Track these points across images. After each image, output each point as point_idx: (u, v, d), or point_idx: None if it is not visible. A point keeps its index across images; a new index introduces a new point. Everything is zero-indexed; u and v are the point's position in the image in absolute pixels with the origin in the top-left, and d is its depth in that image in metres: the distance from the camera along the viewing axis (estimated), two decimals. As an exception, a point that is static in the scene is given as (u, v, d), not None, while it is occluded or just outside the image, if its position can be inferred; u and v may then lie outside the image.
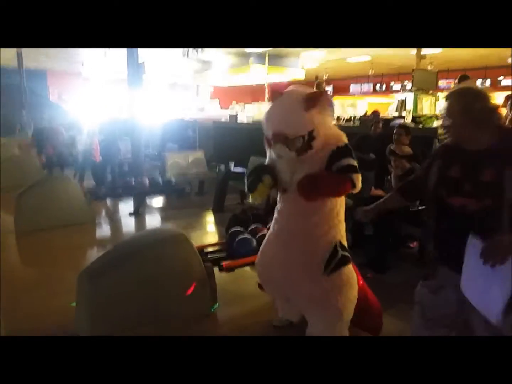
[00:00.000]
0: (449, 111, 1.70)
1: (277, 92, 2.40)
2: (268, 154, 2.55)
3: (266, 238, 2.70)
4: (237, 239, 3.47)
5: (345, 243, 2.50)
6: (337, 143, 2.34)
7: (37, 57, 12.54)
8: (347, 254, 2.47)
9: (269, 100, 2.44)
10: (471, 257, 1.66)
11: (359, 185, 2.35)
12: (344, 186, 2.31)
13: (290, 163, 2.37)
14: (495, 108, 1.67)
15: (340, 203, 2.45)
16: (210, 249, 3.64)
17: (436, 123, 7.72)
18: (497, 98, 8.83)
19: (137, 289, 2.88)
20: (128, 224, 5.98)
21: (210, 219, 6.22)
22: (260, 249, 2.73)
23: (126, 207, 6.55)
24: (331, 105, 2.43)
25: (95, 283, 2.79)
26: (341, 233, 2.49)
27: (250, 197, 2.48)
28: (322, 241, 2.39)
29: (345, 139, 2.40)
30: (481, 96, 1.65)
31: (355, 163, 2.35)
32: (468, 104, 1.64)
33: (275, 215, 2.60)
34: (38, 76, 14.90)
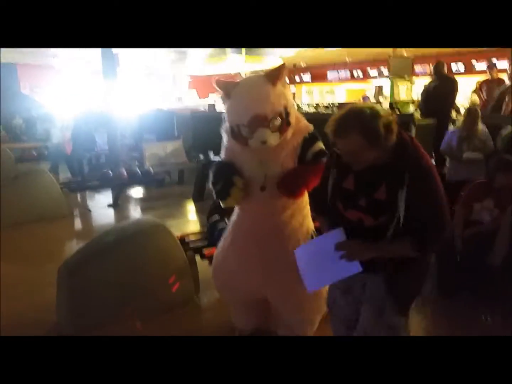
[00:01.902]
0: (344, 131, 1.57)
1: (231, 82, 2.24)
2: (224, 154, 2.38)
3: (222, 246, 2.51)
4: (218, 227, 3.46)
5: (313, 228, 2.46)
6: (307, 129, 2.32)
7: (6, 51, 12.19)
8: None
9: (224, 93, 2.20)
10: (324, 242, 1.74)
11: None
12: (320, 173, 2.26)
13: (259, 156, 2.23)
14: (390, 127, 1.56)
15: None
16: (191, 238, 3.62)
17: (412, 108, 7.82)
18: (471, 82, 8.98)
19: (118, 280, 2.85)
20: (107, 215, 5.90)
21: (190, 208, 6.19)
22: (218, 256, 2.54)
23: (104, 198, 6.46)
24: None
25: (75, 275, 2.76)
26: (310, 219, 2.45)
27: (223, 204, 2.29)
28: (300, 233, 2.33)
29: (311, 127, 2.37)
30: (376, 115, 1.55)
31: (322, 146, 2.33)
32: (363, 123, 1.54)
33: (235, 218, 2.43)
34: (7, 70, 14.46)
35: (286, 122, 2.15)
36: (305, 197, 2.39)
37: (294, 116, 2.22)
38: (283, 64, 2.22)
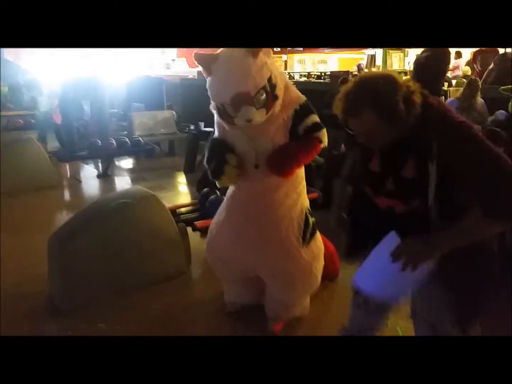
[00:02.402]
0: (355, 108, 1.34)
1: (211, 56, 2.06)
2: (216, 130, 2.30)
3: (217, 221, 2.48)
4: (209, 199, 3.46)
5: (308, 206, 2.43)
6: (298, 101, 2.20)
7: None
8: (314, 219, 2.41)
9: (204, 69, 2.07)
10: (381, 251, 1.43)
11: (325, 140, 2.26)
12: (315, 149, 2.24)
13: (249, 133, 2.15)
14: (411, 99, 1.32)
15: (302, 168, 2.34)
16: (182, 209, 3.62)
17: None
18: (465, 53, 8.90)
19: (109, 251, 2.85)
20: (97, 186, 5.87)
21: (181, 180, 6.16)
22: (212, 230, 2.51)
23: (93, 169, 6.40)
24: None
25: (66, 246, 2.75)
26: (306, 198, 2.41)
27: (219, 184, 2.24)
28: (294, 211, 2.29)
29: (303, 98, 2.24)
30: (393, 87, 1.32)
31: (317, 118, 2.23)
32: (378, 98, 1.31)
33: (230, 193, 2.39)
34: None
35: (272, 96, 2.02)
36: (300, 173, 2.34)
37: (281, 87, 2.10)
38: None
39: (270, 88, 2.01)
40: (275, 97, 2.05)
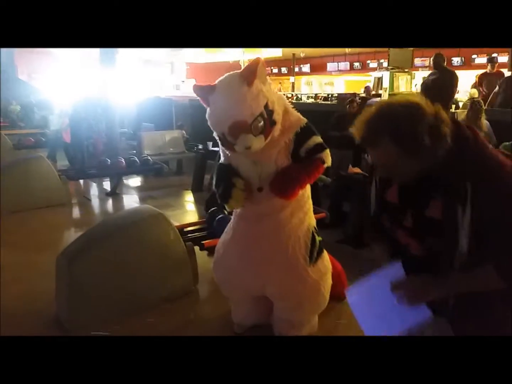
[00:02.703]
0: (373, 138, 1.23)
1: (208, 87, 2.08)
2: (222, 155, 2.32)
3: (224, 241, 2.49)
4: (217, 218, 3.47)
5: (315, 225, 2.43)
6: (299, 123, 2.22)
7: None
8: (321, 238, 2.41)
9: (202, 100, 2.10)
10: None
11: (329, 161, 2.26)
12: (317, 170, 2.25)
13: (251, 157, 2.17)
14: (438, 129, 1.18)
15: (308, 187, 2.35)
16: (190, 228, 3.64)
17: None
18: (471, 76, 8.96)
19: (116, 270, 2.86)
20: (105, 204, 5.91)
21: (189, 198, 6.20)
22: (219, 250, 2.52)
23: (102, 187, 6.46)
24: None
25: (74, 264, 2.75)
26: (312, 217, 2.41)
27: (228, 207, 2.26)
28: (301, 230, 2.30)
29: (303, 120, 2.26)
30: (416, 115, 1.18)
31: (320, 139, 2.24)
32: (397, 127, 1.18)
33: (237, 213, 2.40)
34: (4, 55, 14.33)
35: (269, 122, 2.03)
36: (306, 193, 2.35)
37: (279, 112, 2.10)
38: (258, 59, 2.04)
39: (267, 114, 2.01)
40: (273, 123, 2.06)
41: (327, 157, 2.26)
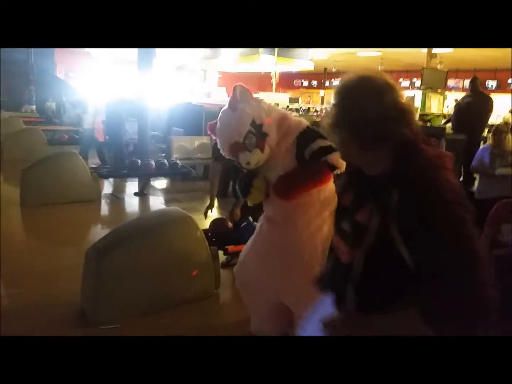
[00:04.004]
0: (332, 115, 1.16)
1: (213, 123, 2.35)
2: None
3: (247, 246, 2.58)
4: (241, 224, 3.51)
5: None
6: (298, 128, 2.29)
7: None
8: None
9: (212, 134, 2.36)
10: None
11: (339, 163, 2.19)
12: (322, 173, 2.25)
13: (262, 167, 2.30)
14: (404, 109, 1.09)
15: (328, 194, 2.32)
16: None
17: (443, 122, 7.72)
18: (507, 100, 8.81)
19: (143, 268, 2.92)
20: (133, 204, 6.03)
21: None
22: (241, 256, 2.59)
23: (131, 187, 6.59)
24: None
25: (103, 259, 2.83)
26: (331, 223, 2.40)
27: (249, 201, 2.38)
28: (318, 237, 2.30)
29: (304, 123, 2.34)
30: (376, 89, 1.09)
31: (326, 143, 2.21)
32: (349, 99, 1.11)
33: (259, 223, 2.53)
34: (45, 53, 14.83)
35: (260, 135, 2.20)
36: (326, 199, 2.33)
37: (270, 124, 2.24)
38: (235, 86, 2.26)
39: (256, 129, 2.19)
40: (264, 135, 2.21)
41: (335, 160, 2.21)
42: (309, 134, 2.28)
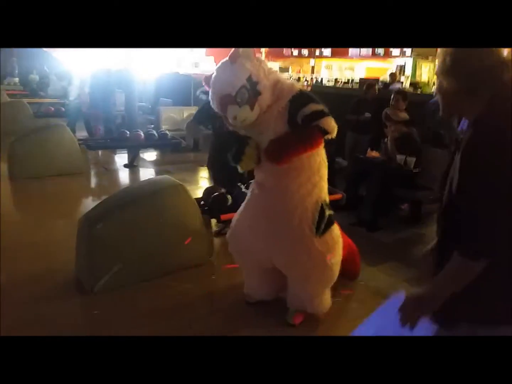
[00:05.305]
0: (437, 71, 1.29)
1: (210, 75, 2.34)
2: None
3: (238, 212, 2.61)
4: (234, 192, 3.52)
5: (327, 200, 2.45)
6: (291, 91, 2.27)
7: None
8: (331, 212, 2.43)
9: (207, 86, 2.33)
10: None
11: (331, 128, 2.24)
12: (314, 138, 2.25)
13: (251, 132, 2.32)
14: (505, 60, 1.20)
15: (319, 159, 2.37)
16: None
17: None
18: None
19: (136, 235, 2.93)
20: (123, 176, 5.98)
21: (204, 175, 6.24)
22: (233, 222, 2.62)
23: (120, 159, 6.53)
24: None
25: (96, 227, 2.82)
26: (324, 191, 2.42)
27: (240, 167, 2.36)
28: (308, 201, 2.33)
29: (297, 87, 2.33)
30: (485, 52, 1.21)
31: (320, 107, 2.24)
32: (462, 60, 1.22)
33: (250, 188, 2.55)
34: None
35: (253, 93, 2.18)
36: (315, 165, 2.36)
37: (266, 83, 2.22)
38: None
39: (250, 85, 2.18)
40: (257, 93, 2.20)
41: (327, 124, 2.23)
42: (301, 98, 2.27)
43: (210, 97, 2.31)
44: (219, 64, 2.31)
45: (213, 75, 2.28)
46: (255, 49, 2.32)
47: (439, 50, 1.30)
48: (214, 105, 2.30)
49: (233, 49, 2.22)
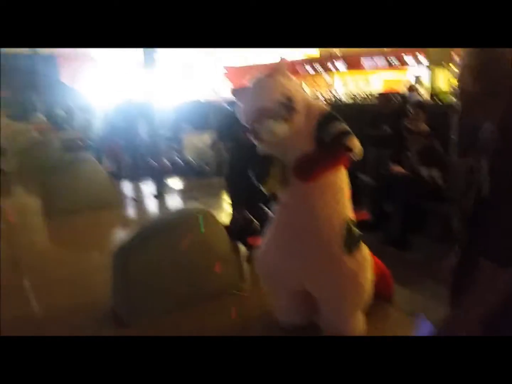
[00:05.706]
0: (460, 74, 1.31)
1: (240, 87, 2.38)
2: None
3: (266, 231, 2.60)
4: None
5: (353, 218, 2.45)
6: (320, 112, 2.33)
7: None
8: (357, 230, 2.43)
9: (237, 99, 2.39)
10: None
11: (356, 147, 2.26)
12: (341, 156, 2.30)
13: (281, 148, 2.33)
14: None
15: (340, 176, 2.39)
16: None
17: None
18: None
19: (169, 265, 2.97)
20: (151, 204, 6.07)
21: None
22: (260, 246, 2.62)
23: (146, 188, 6.65)
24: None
25: (131, 259, 2.90)
26: (348, 208, 2.43)
27: (265, 188, 2.39)
28: (335, 219, 2.33)
29: (325, 107, 2.40)
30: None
31: (345, 127, 2.29)
32: (485, 63, 1.24)
33: (275, 210, 2.54)
34: (48, 60, 14.91)
35: (291, 110, 2.22)
36: (338, 182, 2.38)
37: (301, 102, 2.27)
38: (282, 60, 2.34)
39: (288, 101, 2.21)
40: (293, 110, 2.23)
41: (351, 143, 2.26)
42: (328, 117, 2.34)
43: (241, 111, 2.33)
44: (255, 80, 2.34)
45: (249, 89, 2.30)
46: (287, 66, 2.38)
47: (462, 53, 1.33)
48: (246, 119, 2.30)
49: (272, 66, 2.30)
